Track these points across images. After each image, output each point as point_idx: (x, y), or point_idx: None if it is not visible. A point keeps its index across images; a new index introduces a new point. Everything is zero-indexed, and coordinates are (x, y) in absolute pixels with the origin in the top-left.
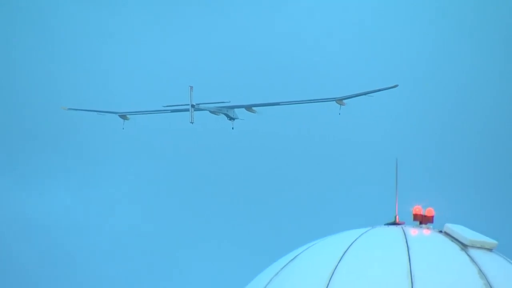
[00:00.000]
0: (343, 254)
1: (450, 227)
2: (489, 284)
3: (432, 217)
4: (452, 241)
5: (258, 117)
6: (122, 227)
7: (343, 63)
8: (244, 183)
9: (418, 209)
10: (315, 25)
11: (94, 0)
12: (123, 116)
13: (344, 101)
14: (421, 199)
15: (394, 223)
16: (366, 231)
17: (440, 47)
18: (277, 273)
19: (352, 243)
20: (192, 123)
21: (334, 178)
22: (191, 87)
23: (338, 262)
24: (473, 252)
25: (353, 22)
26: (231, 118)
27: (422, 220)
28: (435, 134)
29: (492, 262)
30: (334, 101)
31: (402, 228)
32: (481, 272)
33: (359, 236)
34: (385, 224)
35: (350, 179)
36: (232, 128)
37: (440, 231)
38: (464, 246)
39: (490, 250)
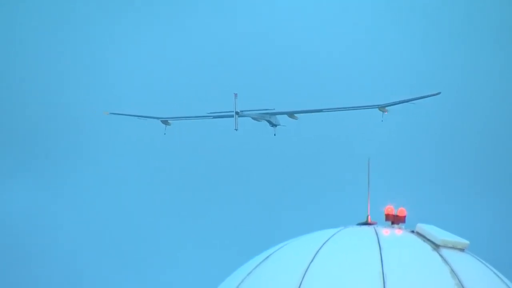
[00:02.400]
0: (315, 254)
1: (422, 227)
2: (461, 284)
3: (404, 217)
4: (424, 241)
5: (300, 124)
6: (104, 225)
7: (385, 70)
8: (245, 185)
9: (390, 209)
10: (359, 32)
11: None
12: (165, 122)
13: (387, 108)
14: (393, 199)
15: (366, 223)
16: (338, 231)
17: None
18: (250, 273)
19: (324, 243)
20: (236, 129)
21: (321, 181)
22: (236, 94)
23: (310, 262)
24: (445, 252)
25: (396, 30)
26: (273, 125)
27: (394, 220)
28: (410, 134)
29: (464, 262)
30: (377, 108)
31: (374, 228)
32: (453, 272)
33: (331, 236)
34: (357, 224)
35: (329, 182)
36: (274, 135)
37: (412, 231)
38: (436, 246)
39: (462, 250)
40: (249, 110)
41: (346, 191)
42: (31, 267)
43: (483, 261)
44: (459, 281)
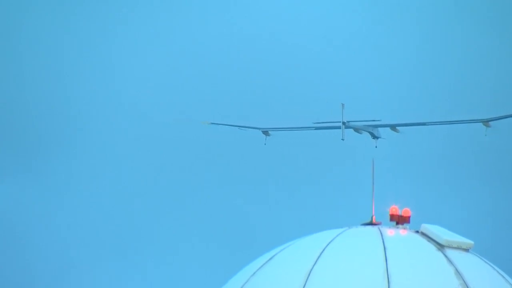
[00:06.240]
0: (320, 255)
1: (427, 227)
2: (466, 285)
3: (409, 217)
4: (429, 241)
5: (401, 137)
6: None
7: (488, 83)
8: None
9: (395, 209)
10: (470, 45)
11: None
12: (265, 132)
13: (490, 122)
14: (398, 199)
15: (371, 223)
16: (343, 232)
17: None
18: (254, 273)
19: (328, 244)
20: (343, 140)
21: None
22: (343, 105)
23: (315, 263)
24: (449, 252)
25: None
26: (375, 137)
27: (399, 220)
28: (414, 135)
29: (468, 263)
30: (481, 123)
31: (378, 228)
32: (457, 272)
33: (336, 237)
34: (361, 224)
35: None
36: (376, 147)
37: (417, 232)
38: (440, 247)
39: (466, 250)
40: (355, 121)
41: (350, 191)
42: (30, 266)
43: (488, 262)
44: (464, 281)
